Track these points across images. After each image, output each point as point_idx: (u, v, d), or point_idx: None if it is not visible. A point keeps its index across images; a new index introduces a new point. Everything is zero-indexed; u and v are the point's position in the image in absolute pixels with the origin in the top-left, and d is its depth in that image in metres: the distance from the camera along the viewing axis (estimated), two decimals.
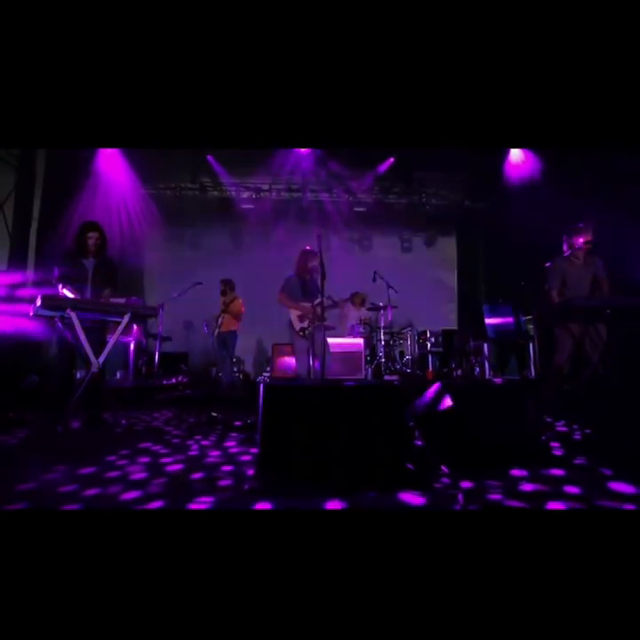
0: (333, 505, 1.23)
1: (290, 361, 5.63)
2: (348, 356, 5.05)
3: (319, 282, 3.19)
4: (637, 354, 2.66)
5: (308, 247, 3.59)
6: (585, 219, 3.18)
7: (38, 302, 2.51)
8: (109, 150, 6.55)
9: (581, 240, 3.07)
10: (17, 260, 5.29)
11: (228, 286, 5.28)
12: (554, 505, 1.21)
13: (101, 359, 2.63)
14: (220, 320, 5.10)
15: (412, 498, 1.29)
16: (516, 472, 1.55)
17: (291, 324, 3.51)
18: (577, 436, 2.25)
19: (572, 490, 1.34)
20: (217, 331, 5.09)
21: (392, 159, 7.15)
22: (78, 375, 3.33)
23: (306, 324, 3.41)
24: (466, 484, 1.41)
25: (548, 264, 3.26)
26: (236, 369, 6.20)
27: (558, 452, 1.87)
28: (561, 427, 2.50)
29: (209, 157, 7.09)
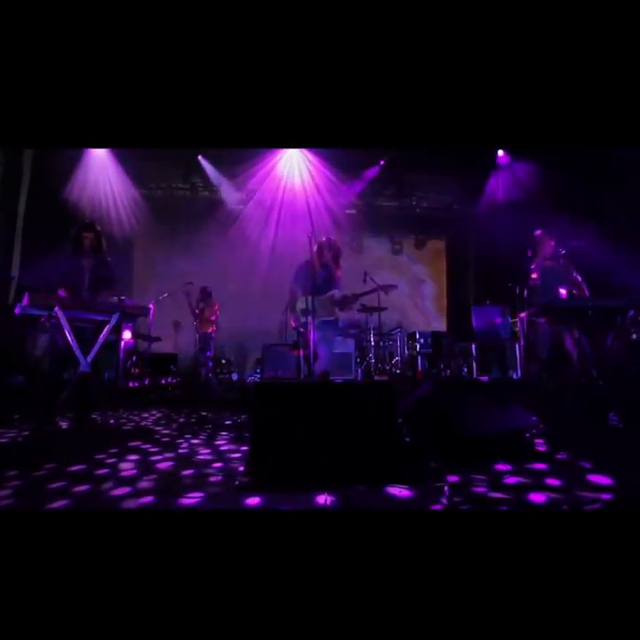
0: (323, 498, 1.25)
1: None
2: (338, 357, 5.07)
3: (331, 274, 3.20)
4: (613, 354, 2.75)
5: (324, 238, 3.41)
6: (554, 224, 3.33)
7: (25, 300, 2.49)
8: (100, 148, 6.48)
9: (545, 247, 3.22)
10: (2, 255, 5.19)
11: (204, 294, 5.60)
12: (536, 496, 1.25)
13: (89, 359, 2.61)
14: (196, 324, 5.45)
15: (400, 491, 1.32)
16: (500, 466, 1.59)
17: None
18: (558, 433, 2.31)
19: (553, 482, 1.39)
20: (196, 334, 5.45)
21: (383, 162, 7.23)
22: (65, 376, 3.29)
23: (305, 319, 3.19)
24: (452, 478, 1.44)
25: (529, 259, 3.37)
26: (217, 370, 6.35)
27: (541, 448, 1.92)
28: (543, 424, 2.56)
29: (200, 158, 7.06)
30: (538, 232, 3.35)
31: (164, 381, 6.02)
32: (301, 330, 3.27)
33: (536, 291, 3.28)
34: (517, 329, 4.91)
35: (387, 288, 4.51)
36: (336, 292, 3.27)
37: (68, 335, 2.52)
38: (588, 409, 2.38)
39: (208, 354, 5.48)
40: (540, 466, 1.60)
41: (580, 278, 3.15)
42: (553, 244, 3.25)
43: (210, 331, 5.47)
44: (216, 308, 5.59)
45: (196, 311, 5.42)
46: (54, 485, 1.38)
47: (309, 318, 3.10)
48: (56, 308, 2.49)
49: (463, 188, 7.69)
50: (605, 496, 1.23)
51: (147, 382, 5.29)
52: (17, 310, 2.60)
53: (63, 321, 2.51)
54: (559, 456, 1.75)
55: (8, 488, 1.34)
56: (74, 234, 2.90)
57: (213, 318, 5.53)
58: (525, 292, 3.41)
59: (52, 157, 5.84)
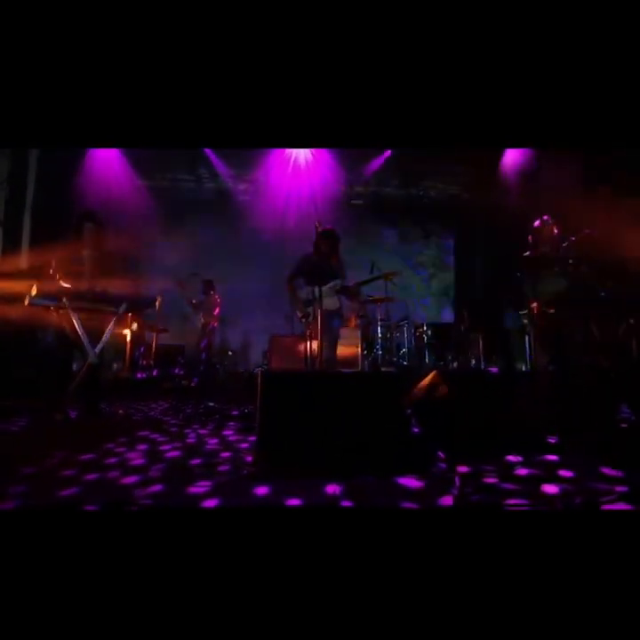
0: (331, 488, 1.25)
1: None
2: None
3: (331, 264, 3.16)
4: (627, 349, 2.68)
5: (320, 228, 3.26)
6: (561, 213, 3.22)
7: (34, 291, 2.50)
8: None
9: (547, 236, 3.10)
10: (10, 248, 5.22)
11: (208, 286, 5.56)
12: (548, 487, 1.23)
13: (97, 349, 2.62)
14: (200, 318, 5.46)
15: (410, 482, 1.31)
16: (511, 458, 1.57)
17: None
18: (569, 425, 2.28)
19: (565, 473, 1.37)
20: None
21: (389, 152, 7.11)
22: (74, 366, 3.31)
23: (310, 309, 3.17)
24: (462, 469, 1.43)
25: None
26: (221, 364, 6.42)
27: (552, 440, 1.90)
28: (554, 416, 2.53)
29: (206, 149, 7.00)
30: (537, 222, 3.22)
31: (170, 372, 6.07)
32: (303, 320, 3.24)
33: (541, 281, 3.15)
34: (526, 321, 4.85)
35: (389, 275, 4.44)
36: (338, 282, 3.23)
37: (77, 326, 2.53)
38: (599, 401, 2.34)
39: (202, 345, 5.52)
40: (551, 457, 1.58)
41: (584, 268, 3.04)
42: (555, 232, 3.12)
43: (211, 323, 5.49)
44: (218, 300, 5.59)
45: (193, 302, 5.43)
46: (65, 474, 1.39)
47: (315, 309, 3.08)
48: (64, 299, 2.50)
49: (472, 177, 7.54)
50: (619, 488, 1.20)
51: (154, 373, 5.33)
52: (26, 301, 2.61)
53: (72, 312, 2.52)
54: (570, 448, 1.73)
55: (20, 477, 1.36)
56: (74, 223, 2.90)
57: (215, 312, 5.53)
58: (525, 280, 3.26)
59: (58, 150, 5.82)
